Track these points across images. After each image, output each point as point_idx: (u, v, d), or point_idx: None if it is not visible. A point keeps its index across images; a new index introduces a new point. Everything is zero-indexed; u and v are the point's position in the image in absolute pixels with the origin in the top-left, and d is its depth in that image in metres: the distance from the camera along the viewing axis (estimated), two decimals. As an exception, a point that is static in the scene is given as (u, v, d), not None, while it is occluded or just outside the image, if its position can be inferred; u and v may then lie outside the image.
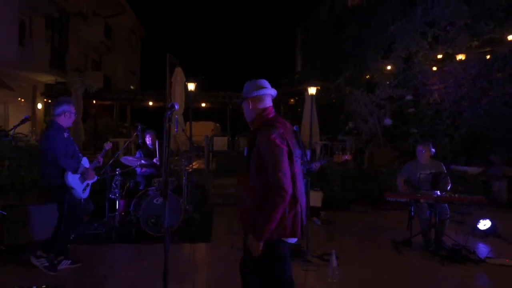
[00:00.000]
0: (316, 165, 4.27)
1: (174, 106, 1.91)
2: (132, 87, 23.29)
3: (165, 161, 1.72)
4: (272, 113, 2.05)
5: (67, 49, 16.14)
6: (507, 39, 9.89)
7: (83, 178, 3.58)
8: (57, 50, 14.72)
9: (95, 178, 3.80)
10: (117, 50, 21.21)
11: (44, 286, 2.89)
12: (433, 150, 4.60)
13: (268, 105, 2.05)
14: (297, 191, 1.90)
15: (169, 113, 1.82)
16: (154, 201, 4.72)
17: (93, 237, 4.57)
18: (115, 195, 4.93)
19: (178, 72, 9.46)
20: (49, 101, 15.45)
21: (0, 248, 3.72)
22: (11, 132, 3.12)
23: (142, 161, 5.37)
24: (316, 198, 6.22)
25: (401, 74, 10.30)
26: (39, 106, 14.95)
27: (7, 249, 3.75)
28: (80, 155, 3.71)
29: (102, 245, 4.31)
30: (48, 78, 14.41)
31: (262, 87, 2.04)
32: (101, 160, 3.96)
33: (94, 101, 15.09)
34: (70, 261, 3.57)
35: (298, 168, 1.97)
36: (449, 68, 9.56)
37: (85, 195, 3.65)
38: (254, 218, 1.83)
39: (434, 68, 10.35)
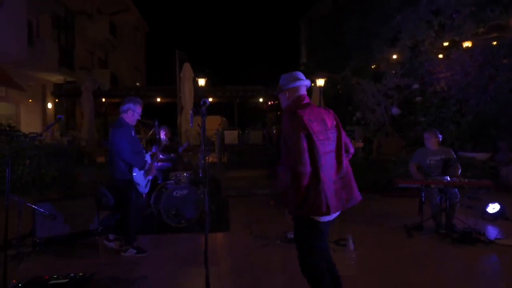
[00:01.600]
0: None
1: (206, 102, 2.08)
2: (137, 83, 23.50)
3: (203, 153, 1.89)
4: (304, 100, 2.19)
5: (74, 47, 16.34)
6: (513, 24, 9.88)
7: (146, 174, 3.74)
8: (65, 49, 14.93)
9: (155, 173, 3.98)
10: (122, 47, 21.39)
11: (81, 274, 3.09)
12: (440, 136, 4.75)
13: (302, 93, 2.23)
14: (321, 172, 2.03)
15: (203, 109, 1.99)
16: (174, 193, 4.92)
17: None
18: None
19: (187, 67, 9.61)
20: (56, 100, 15.73)
21: (34, 241, 3.95)
22: (49, 133, 3.21)
23: (160, 156, 5.57)
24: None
25: (407, 63, 10.36)
26: (49, 105, 15.21)
27: (40, 242, 3.98)
28: (144, 151, 3.89)
29: (127, 236, 4.54)
30: (57, 77, 14.65)
31: (298, 79, 2.22)
32: (159, 155, 4.14)
33: (104, 99, 15.32)
34: (135, 251, 3.78)
35: (323, 149, 2.07)
36: (455, 55, 9.60)
37: (146, 190, 3.80)
38: (284, 195, 2.06)
39: (441, 56, 10.38)
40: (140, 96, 15.26)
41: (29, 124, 13.34)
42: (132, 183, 3.63)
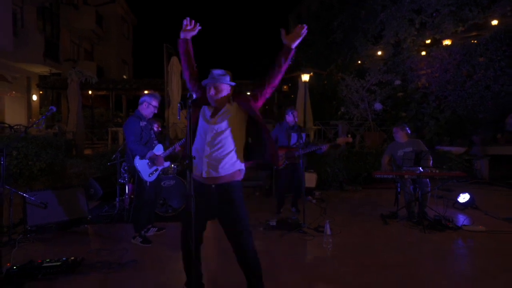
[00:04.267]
0: (325, 147, 4.75)
1: (193, 95, 2.25)
2: (124, 76, 23.28)
3: (189, 146, 2.08)
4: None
5: (59, 39, 16.09)
6: (491, 24, 10.31)
7: (151, 163, 3.89)
8: (50, 41, 14.70)
9: (165, 164, 4.07)
10: (109, 39, 21.14)
11: (73, 258, 3.25)
12: (408, 129, 5.11)
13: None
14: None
15: (190, 101, 2.16)
16: (162, 184, 5.09)
17: (105, 218, 4.96)
18: (124, 179, 5.28)
19: (174, 61, 9.68)
20: (41, 92, 15.53)
21: (26, 228, 4.07)
22: (42, 123, 3.33)
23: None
24: (311, 179, 6.69)
25: (390, 60, 10.68)
26: (34, 97, 15.02)
27: (31, 229, 4.10)
28: (155, 142, 4.04)
29: (115, 224, 4.71)
30: (42, 69, 14.46)
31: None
32: (177, 148, 4.21)
33: (90, 92, 15.21)
34: (156, 229, 4.27)
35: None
36: (435, 53, 9.97)
37: (151, 179, 3.92)
38: None
39: (424, 53, 10.75)
40: (126, 89, 15.14)
41: (14, 116, 13.19)
42: (135, 169, 3.84)
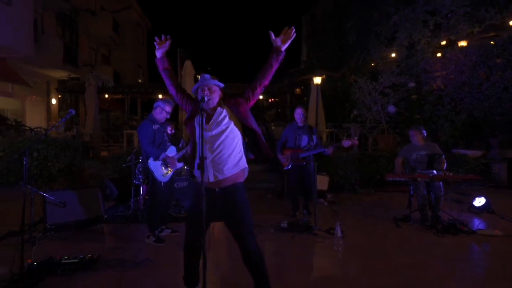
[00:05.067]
0: (330, 150, 4.71)
1: (205, 98, 2.33)
2: (139, 80, 23.77)
3: (201, 147, 2.15)
4: None
5: (78, 45, 16.60)
6: (508, 24, 10.08)
7: (165, 164, 4.03)
8: (69, 46, 15.18)
9: (179, 165, 4.19)
10: (125, 44, 21.65)
11: (90, 255, 3.37)
12: (425, 132, 5.05)
13: None
14: None
15: (202, 104, 2.24)
16: (175, 185, 5.20)
17: (120, 218, 5.09)
18: (139, 180, 5.41)
19: (188, 64, 9.85)
20: (60, 96, 16.03)
21: (45, 226, 4.24)
22: (62, 126, 3.48)
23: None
24: (323, 182, 6.68)
25: (403, 62, 10.57)
26: (53, 101, 15.51)
27: (50, 228, 4.26)
28: (168, 144, 4.20)
29: (130, 224, 4.83)
30: (61, 74, 14.93)
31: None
32: (190, 149, 4.37)
33: (106, 96, 15.60)
34: (170, 230, 4.36)
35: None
36: (450, 55, 9.81)
37: (165, 179, 4.05)
38: None
39: (439, 55, 10.58)
40: (141, 92, 15.50)
41: (34, 119, 13.66)
42: (149, 170, 3.98)
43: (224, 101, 2.49)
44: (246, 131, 2.46)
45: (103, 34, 18.88)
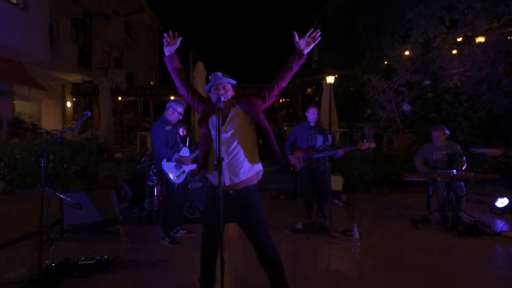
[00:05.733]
0: (340, 152, 4.61)
1: (221, 98, 2.29)
2: (151, 82, 24.02)
3: (218, 147, 2.09)
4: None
5: (91, 48, 16.88)
6: (529, 19, 9.74)
7: (179, 165, 4.01)
8: (83, 50, 15.44)
9: (193, 166, 4.17)
10: (137, 46, 21.92)
11: (106, 256, 3.38)
12: (448, 132, 4.86)
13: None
14: None
15: (218, 104, 2.19)
16: (189, 186, 5.19)
17: (135, 219, 5.11)
18: (153, 182, 5.43)
19: (200, 66, 9.87)
20: (74, 99, 16.32)
21: (62, 228, 4.28)
22: (77, 128, 3.49)
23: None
24: (337, 182, 6.58)
25: (418, 59, 10.34)
26: (68, 104, 15.79)
27: (67, 229, 4.31)
28: (181, 145, 4.19)
29: (145, 226, 4.84)
30: (76, 77, 15.18)
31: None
32: (203, 151, 4.34)
33: (120, 98, 15.80)
34: (185, 231, 4.34)
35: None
36: (467, 51, 9.55)
37: (179, 181, 4.04)
38: None
39: (454, 52, 10.32)
40: (154, 94, 15.62)
41: (50, 122, 13.92)
42: (163, 172, 3.96)
43: (237, 100, 2.43)
44: (259, 133, 2.40)
45: (115, 37, 19.15)
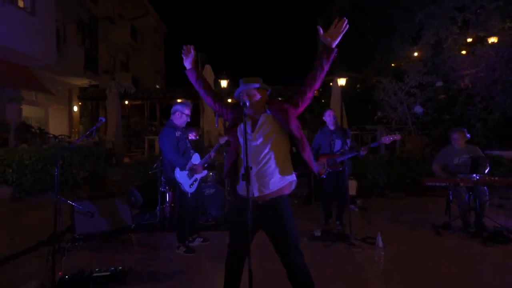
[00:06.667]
0: (363, 151, 4.46)
1: (246, 103, 2.16)
2: (157, 85, 24.00)
3: (246, 156, 1.96)
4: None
5: (98, 52, 16.88)
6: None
7: (191, 174, 3.84)
8: (89, 54, 15.44)
9: (204, 173, 4.03)
10: (143, 50, 21.92)
11: (121, 267, 3.26)
12: (468, 135, 4.70)
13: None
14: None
15: (245, 110, 2.06)
16: (204, 192, 5.06)
17: (147, 227, 4.99)
18: (164, 187, 5.31)
19: (208, 69, 9.79)
20: (80, 103, 16.29)
21: (74, 236, 4.17)
22: (93, 134, 3.39)
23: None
24: (351, 187, 6.40)
25: (429, 60, 10.17)
26: (75, 108, 15.77)
27: (79, 237, 4.19)
28: (192, 151, 4.01)
29: (157, 233, 4.72)
30: (82, 81, 15.17)
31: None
32: (213, 154, 4.11)
33: (127, 102, 15.75)
34: (202, 239, 4.20)
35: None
36: (480, 52, 9.37)
37: (192, 189, 3.88)
38: None
39: (464, 53, 10.14)
40: (160, 98, 15.55)
41: (57, 127, 13.90)
42: (175, 182, 3.77)
43: (269, 106, 2.30)
44: (292, 140, 2.25)
45: (121, 41, 19.16)
